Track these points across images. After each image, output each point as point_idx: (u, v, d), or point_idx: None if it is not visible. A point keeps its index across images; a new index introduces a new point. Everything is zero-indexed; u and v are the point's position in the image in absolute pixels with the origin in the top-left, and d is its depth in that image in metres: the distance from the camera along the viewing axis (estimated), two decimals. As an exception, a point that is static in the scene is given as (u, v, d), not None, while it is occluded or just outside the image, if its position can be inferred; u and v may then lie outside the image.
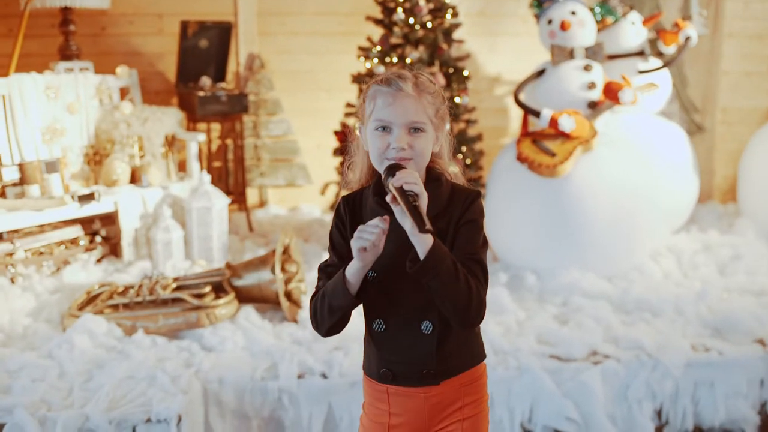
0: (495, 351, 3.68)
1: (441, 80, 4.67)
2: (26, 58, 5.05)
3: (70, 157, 4.81)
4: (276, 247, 3.96)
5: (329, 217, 5.77)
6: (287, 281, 4.08)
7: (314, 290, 1.96)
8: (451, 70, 4.78)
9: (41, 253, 4.51)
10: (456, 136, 4.80)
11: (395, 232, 1.80)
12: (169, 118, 4.93)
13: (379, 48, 4.74)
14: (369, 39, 4.89)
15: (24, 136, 4.61)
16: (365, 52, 4.85)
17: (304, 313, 3.98)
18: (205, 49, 5.26)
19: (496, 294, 4.20)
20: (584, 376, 3.57)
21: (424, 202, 1.75)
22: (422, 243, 1.75)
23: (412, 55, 4.65)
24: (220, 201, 4.68)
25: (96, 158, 4.89)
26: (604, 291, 4.30)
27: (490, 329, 3.85)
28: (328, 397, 3.48)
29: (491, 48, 5.74)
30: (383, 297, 1.91)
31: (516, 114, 5.85)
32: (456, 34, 4.95)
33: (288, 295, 4.06)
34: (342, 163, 4.96)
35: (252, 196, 5.89)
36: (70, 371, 3.45)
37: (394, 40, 4.80)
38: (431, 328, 1.90)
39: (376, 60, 4.74)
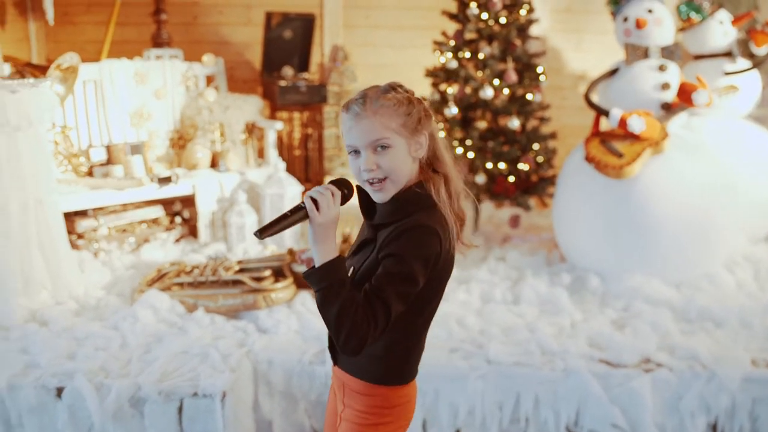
0: (543, 351, 3.66)
1: (513, 76, 4.65)
2: (123, 44, 5.33)
3: (155, 140, 5.05)
4: (343, 234, 4.06)
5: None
6: (346, 270, 4.16)
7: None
8: (524, 67, 4.74)
9: (124, 231, 4.76)
10: (528, 134, 4.77)
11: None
12: (250, 106, 5.09)
13: (453, 43, 4.76)
14: (444, 33, 4.92)
15: (113, 119, 4.87)
16: (440, 46, 4.88)
17: (359, 302, 4.06)
18: (289, 40, 5.40)
19: (555, 294, 4.18)
20: (634, 384, 3.50)
21: (312, 217, 1.80)
22: (321, 254, 1.82)
23: (485, 50, 4.65)
24: (293, 188, 4.81)
25: (180, 142, 5.11)
26: (668, 298, 4.19)
27: (541, 329, 3.82)
28: (373, 384, 3.54)
29: (577, 45, 5.66)
30: None
31: (597, 113, 5.76)
32: (538, 31, 4.90)
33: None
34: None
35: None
36: (131, 343, 3.65)
37: (468, 35, 4.80)
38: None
39: (450, 54, 4.75)
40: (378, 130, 1.85)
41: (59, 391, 3.31)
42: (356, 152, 1.89)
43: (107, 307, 4.01)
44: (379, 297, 1.80)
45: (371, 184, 1.89)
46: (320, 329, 3.80)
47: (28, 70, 4.47)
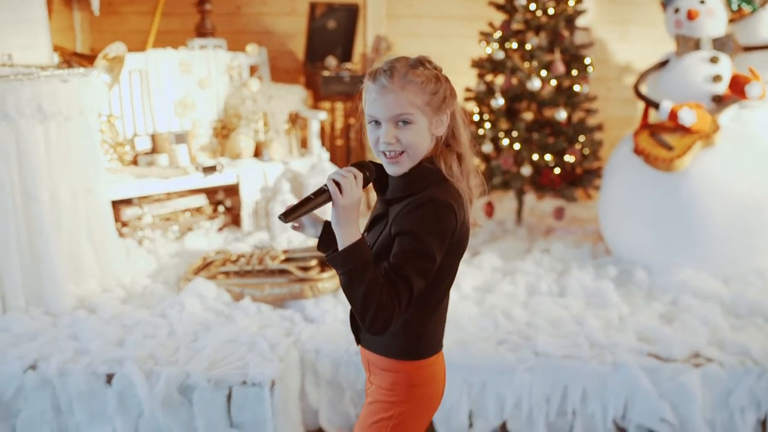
0: (591, 344, 3.63)
1: (560, 68, 4.60)
2: (167, 34, 5.35)
3: (199, 129, 5.07)
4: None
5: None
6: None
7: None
8: (572, 58, 4.70)
9: (168, 219, 4.79)
10: (574, 125, 4.72)
11: None
12: (294, 96, 5.10)
13: (499, 33, 4.73)
14: (490, 24, 4.88)
15: (158, 108, 4.90)
16: (486, 37, 4.84)
17: (405, 293, 4.05)
18: (333, 30, 5.40)
19: (601, 287, 4.14)
20: (683, 378, 3.46)
21: (336, 201, 1.79)
22: (345, 236, 1.81)
23: (532, 41, 4.61)
24: (336, 178, 4.80)
25: (224, 132, 5.13)
26: (717, 292, 4.14)
27: (588, 322, 3.79)
28: (420, 376, 3.53)
29: (622, 36, 5.59)
30: None
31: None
32: (583, 22, 4.85)
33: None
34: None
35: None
36: (178, 331, 3.67)
37: (515, 26, 4.76)
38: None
39: (496, 45, 4.72)
40: (403, 105, 1.84)
41: (109, 378, 3.34)
42: (377, 123, 1.88)
43: (153, 295, 4.04)
44: (400, 275, 1.80)
45: (387, 156, 1.88)
46: (366, 319, 3.80)
47: (76, 59, 4.51)
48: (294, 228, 2.01)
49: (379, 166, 1.95)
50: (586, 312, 3.96)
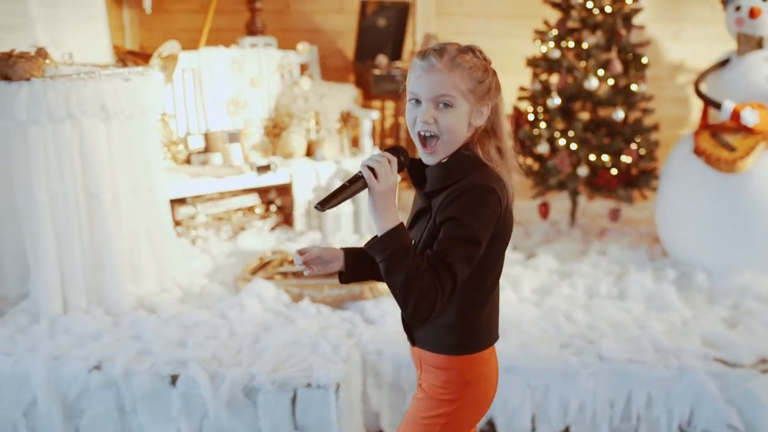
0: (656, 349, 3.58)
1: (618, 67, 4.55)
2: (216, 32, 5.35)
3: (250, 128, 5.06)
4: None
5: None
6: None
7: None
8: (629, 57, 4.64)
9: (220, 219, 4.79)
10: (631, 125, 4.67)
11: None
12: (345, 95, 5.07)
13: (555, 32, 4.68)
14: (545, 22, 4.83)
15: (210, 107, 4.89)
16: (541, 36, 4.79)
17: (464, 295, 4.02)
18: (383, 28, 5.37)
19: (662, 290, 4.09)
20: (751, 384, 3.41)
21: (371, 187, 1.77)
22: (383, 222, 1.78)
23: (589, 39, 4.56)
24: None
25: (275, 131, 5.12)
26: (781, 296, 4.08)
27: (651, 326, 3.74)
28: (483, 379, 3.50)
29: (675, 35, 5.52)
30: None
31: (697, 104, 5.61)
32: (637, 20, 4.79)
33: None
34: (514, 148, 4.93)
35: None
36: (239, 332, 3.66)
37: (570, 24, 4.71)
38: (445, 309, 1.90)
39: (551, 44, 4.67)
40: (447, 86, 1.81)
41: (173, 379, 3.34)
42: (417, 102, 1.86)
43: (211, 295, 4.03)
44: (444, 261, 1.77)
45: (423, 139, 1.86)
46: (427, 321, 3.77)
47: (130, 57, 4.52)
48: (306, 268, 1.98)
49: (417, 160, 1.93)
50: (647, 316, 3.92)
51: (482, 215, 1.80)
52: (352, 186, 1.80)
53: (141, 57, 4.55)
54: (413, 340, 2.05)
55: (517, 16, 5.61)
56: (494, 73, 1.90)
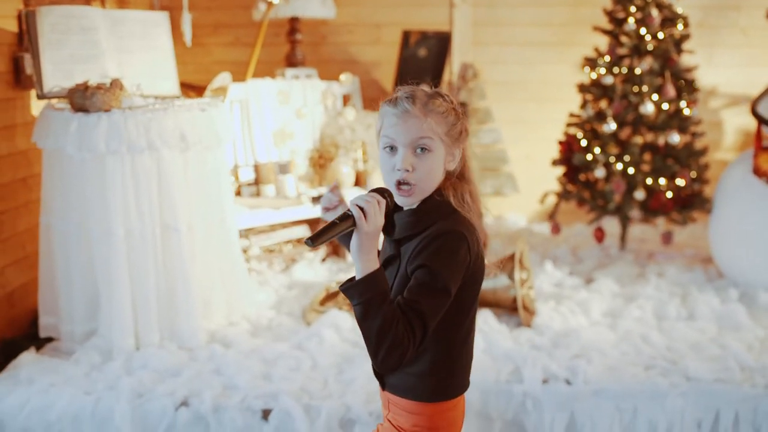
0: (741, 367, 3.59)
1: (672, 91, 4.61)
2: (256, 65, 5.30)
3: (296, 159, 5.02)
4: (514, 253, 4.01)
5: (536, 227, 5.79)
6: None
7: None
8: (681, 82, 4.72)
9: (271, 251, 4.73)
10: (682, 149, 4.72)
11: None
12: (390, 125, 5.06)
13: (608, 58, 4.74)
14: (596, 50, 4.89)
15: (258, 138, 4.85)
16: (590, 62, 4.85)
17: (539, 319, 4.01)
18: (423, 58, 5.39)
19: (731, 310, 4.12)
20: (838, 400, 3.43)
21: (360, 227, 1.74)
22: (364, 264, 1.75)
23: (642, 65, 4.62)
24: (443, 206, 4.76)
25: (320, 161, 5.08)
26: None
27: (731, 345, 3.75)
28: (572, 404, 3.47)
29: (708, 60, 5.61)
30: None
31: (731, 128, 5.72)
32: (685, 46, 4.87)
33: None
34: (564, 174, 4.96)
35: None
36: (321, 363, 3.60)
37: (619, 51, 4.78)
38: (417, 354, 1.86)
39: (603, 70, 4.73)
40: (424, 129, 1.81)
41: (265, 413, 3.27)
42: (392, 149, 1.84)
43: (281, 327, 3.97)
44: (415, 309, 1.75)
45: (400, 186, 1.83)
46: (508, 348, 3.75)
47: (184, 89, 4.46)
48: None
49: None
50: (722, 335, 3.93)
51: (452, 263, 1.79)
52: (342, 224, 1.77)
53: (194, 89, 4.50)
54: (383, 385, 1.98)
55: (554, 44, 5.68)
56: (464, 114, 1.91)
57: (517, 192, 5.60)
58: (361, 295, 1.74)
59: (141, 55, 3.92)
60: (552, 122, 5.45)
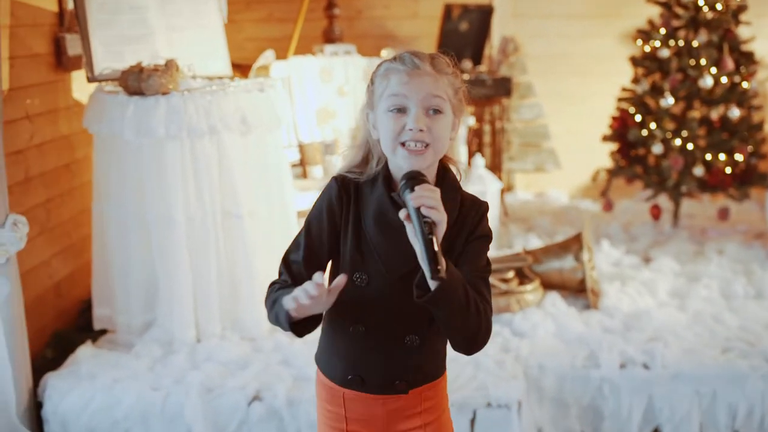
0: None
1: (730, 64, 4.49)
2: (288, 42, 5.14)
3: (339, 138, 4.87)
4: (581, 233, 3.90)
5: (579, 203, 5.67)
6: (584, 268, 4.01)
7: (274, 282, 1.81)
8: (738, 54, 4.60)
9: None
10: (737, 123, 4.61)
11: (398, 237, 1.63)
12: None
13: (663, 30, 4.60)
14: (650, 22, 4.75)
15: (301, 118, 4.69)
16: (644, 35, 4.71)
17: (606, 301, 3.91)
18: (465, 32, 5.23)
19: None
20: None
21: (441, 229, 1.57)
22: (443, 258, 1.58)
23: (700, 38, 4.49)
24: (494, 185, 4.63)
25: (364, 141, 4.93)
26: None
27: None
28: (650, 388, 3.39)
29: (755, 31, 5.46)
30: (369, 302, 1.74)
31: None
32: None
33: (585, 283, 3.99)
34: (618, 151, 4.84)
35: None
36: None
37: (676, 23, 4.65)
38: (417, 342, 1.76)
39: (658, 43, 4.59)
40: (439, 88, 1.66)
41: (342, 404, 3.15)
42: (400, 111, 1.66)
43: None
44: (484, 279, 1.72)
45: (412, 144, 1.65)
46: (580, 332, 3.65)
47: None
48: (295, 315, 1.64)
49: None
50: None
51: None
52: (435, 235, 1.56)
53: (238, 68, 4.33)
54: (409, 384, 1.81)
55: (597, 17, 5.53)
56: (463, 82, 1.75)
57: (559, 168, 5.50)
58: (445, 301, 1.59)
59: (191, 33, 3.76)
60: (596, 96, 5.32)
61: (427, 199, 1.57)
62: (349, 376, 1.81)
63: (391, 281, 1.72)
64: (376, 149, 1.76)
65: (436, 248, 1.54)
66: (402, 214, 1.60)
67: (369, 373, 1.80)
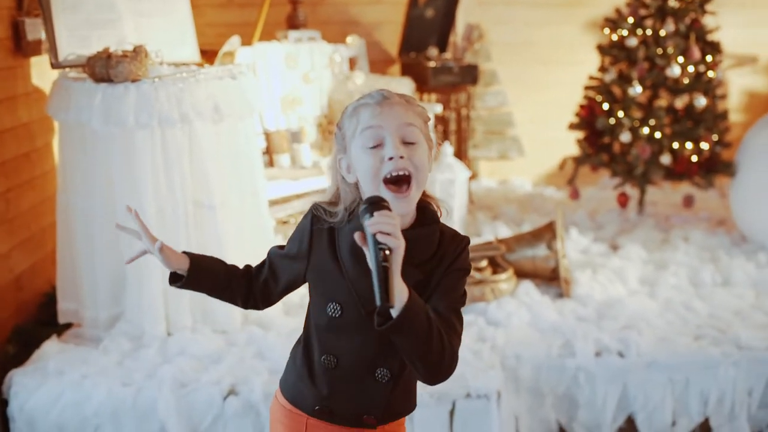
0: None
1: (697, 53, 4.52)
2: (249, 27, 5.03)
3: (305, 126, 4.80)
4: (553, 222, 3.89)
5: (543, 191, 5.68)
6: (556, 257, 4.02)
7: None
8: (703, 44, 4.64)
9: (285, 222, 4.52)
10: (703, 112, 4.66)
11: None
12: (403, 88, 4.85)
13: (631, 19, 4.61)
14: (617, 10, 4.76)
15: (266, 105, 4.60)
16: (611, 23, 4.73)
17: (578, 289, 3.92)
18: (430, 19, 5.18)
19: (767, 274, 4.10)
20: None
21: (398, 255, 1.52)
22: (400, 285, 1.53)
23: (667, 27, 4.51)
24: (463, 173, 4.61)
25: (330, 128, 4.86)
26: None
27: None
28: (624, 376, 3.41)
29: (714, 20, 5.53)
30: (342, 333, 1.73)
31: (737, 89, 5.67)
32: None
33: (557, 271, 4.00)
34: (585, 139, 4.85)
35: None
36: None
37: (642, 12, 4.67)
38: (387, 377, 1.74)
39: (625, 32, 4.61)
40: (412, 117, 1.64)
41: (319, 398, 3.10)
42: (376, 146, 1.63)
43: (313, 305, 3.78)
44: (456, 311, 1.67)
45: (395, 182, 1.61)
46: (554, 320, 3.65)
47: (193, 55, 4.18)
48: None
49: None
50: (762, 302, 3.90)
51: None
52: (390, 262, 1.52)
53: (203, 54, 4.22)
54: (378, 420, 1.78)
55: (561, 4, 5.53)
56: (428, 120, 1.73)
57: (522, 156, 5.50)
58: (407, 329, 1.54)
59: (159, 19, 3.64)
60: (560, 84, 5.33)
61: (384, 225, 1.51)
62: (317, 407, 1.78)
63: (365, 313, 1.68)
64: (348, 196, 1.72)
65: (389, 274, 1.51)
66: (356, 236, 1.55)
67: (338, 406, 1.77)
